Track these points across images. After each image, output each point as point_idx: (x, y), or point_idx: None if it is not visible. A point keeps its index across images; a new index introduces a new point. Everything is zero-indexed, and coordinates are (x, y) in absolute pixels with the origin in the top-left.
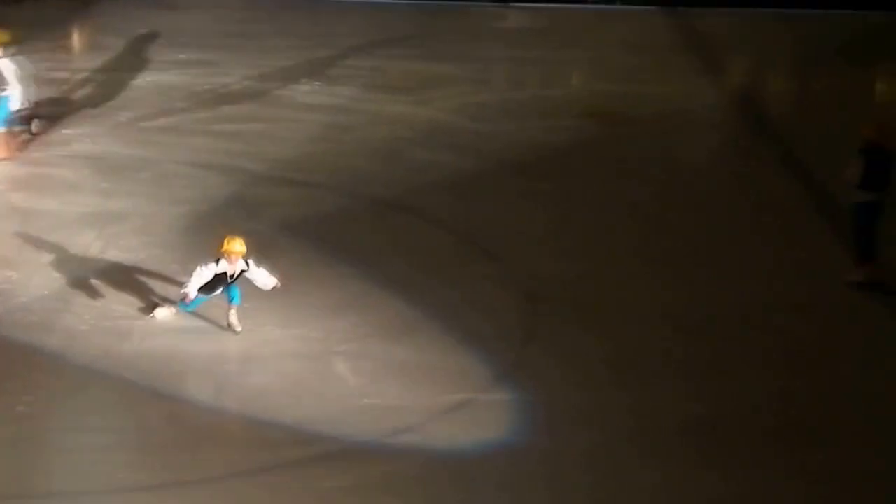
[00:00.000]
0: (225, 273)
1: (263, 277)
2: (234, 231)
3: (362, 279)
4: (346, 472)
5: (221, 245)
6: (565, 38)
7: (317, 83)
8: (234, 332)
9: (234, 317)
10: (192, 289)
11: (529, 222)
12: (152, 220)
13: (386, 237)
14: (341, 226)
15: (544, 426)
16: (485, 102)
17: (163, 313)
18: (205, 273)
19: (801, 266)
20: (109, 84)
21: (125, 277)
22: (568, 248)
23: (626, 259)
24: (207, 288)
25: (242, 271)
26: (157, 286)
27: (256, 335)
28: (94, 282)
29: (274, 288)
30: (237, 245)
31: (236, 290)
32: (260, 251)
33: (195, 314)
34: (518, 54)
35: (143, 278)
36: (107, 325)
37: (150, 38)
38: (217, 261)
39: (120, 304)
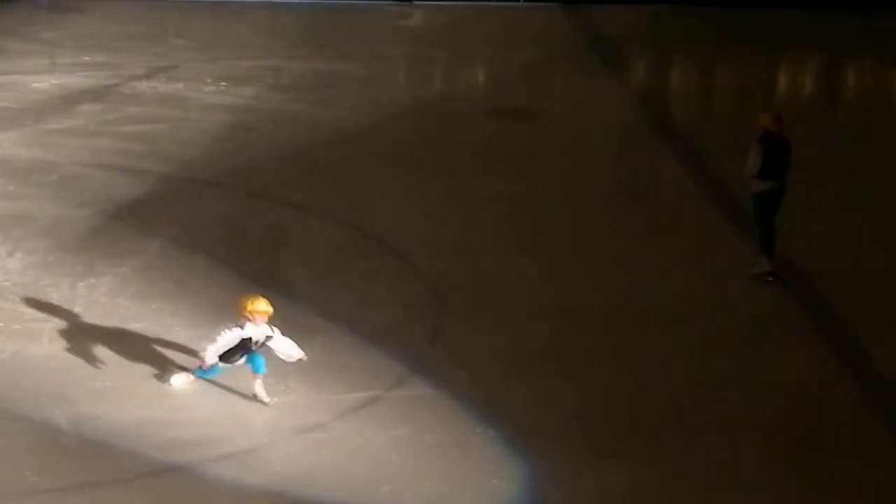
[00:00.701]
0: (249, 338)
1: (288, 347)
2: (258, 294)
3: (265, 278)
4: (254, 471)
5: (244, 306)
6: (468, 36)
7: (220, 83)
8: (263, 403)
9: (260, 388)
10: (211, 355)
11: (431, 219)
12: (59, 222)
13: (290, 236)
14: (246, 225)
15: (449, 423)
16: (388, 101)
17: (179, 380)
18: (228, 337)
19: (696, 259)
20: (13, 87)
21: (33, 280)
22: (470, 243)
23: (527, 254)
24: (228, 355)
25: (268, 337)
26: (66, 288)
27: (163, 337)
28: (2, 284)
29: (299, 360)
30: (262, 304)
31: (261, 359)
32: (164, 251)
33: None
34: (421, 52)
35: (51, 280)
36: (16, 327)
37: (54, 40)
38: (241, 324)
39: (30, 306)
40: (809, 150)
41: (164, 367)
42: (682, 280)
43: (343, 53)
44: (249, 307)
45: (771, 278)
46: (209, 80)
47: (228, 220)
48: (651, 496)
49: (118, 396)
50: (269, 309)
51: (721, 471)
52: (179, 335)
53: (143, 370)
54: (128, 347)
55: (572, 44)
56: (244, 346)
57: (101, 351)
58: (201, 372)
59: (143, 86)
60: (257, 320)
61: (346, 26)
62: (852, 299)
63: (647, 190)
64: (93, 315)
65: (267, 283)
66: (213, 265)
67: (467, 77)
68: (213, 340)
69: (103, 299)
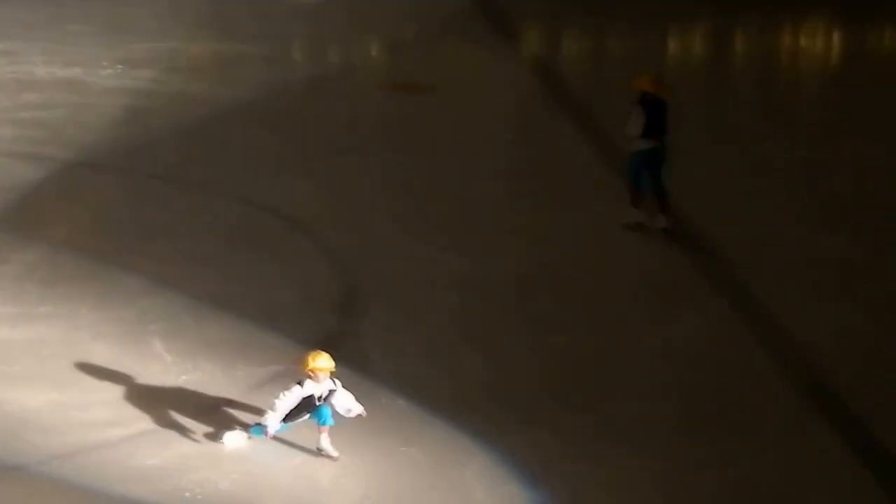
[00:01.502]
0: (311, 395)
1: (349, 402)
2: (314, 350)
3: (174, 258)
4: (167, 448)
5: (305, 363)
6: (361, 13)
7: (118, 67)
8: (331, 457)
9: (325, 441)
10: (274, 420)
11: (334, 195)
12: None
13: (197, 216)
14: (151, 207)
15: (362, 395)
16: (287, 79)
17: (233, 440)
18: (289, 399)
19: (597, 227)
20: None
21: None
22: (374, 218)
23: (431, 226)
24: (291, 414)
25: (331, 391)
26: None
27: (71, 320)
28: None
29: (358, 416)
30: (324, 361)
31: (327, 410)
32: (70, 236)
33: None
34: (320, 30)
35: None
36: None
37: None
38: (301, 382)
39: None
40: (705, 112)
41: (75, 347)
42: (585, 248)
43: (242, 34)
44: (311, 364)
45: (641, 227)
46: (107, 64)
47: (132, 203)
48: (571, 460)
49: (29, 380)
50: (331, 365)
51: (636, 433)
52: (87, 317)
53: (53, 352)
54: (36, 331)
55: (468, 15)
56: (308, 404)
57: (9, 335)
58: (258, 431)
59: (41, 71)
60: (319, 377)
61: (244, 7)
62: (754, 262)
63: (546, 160)
64: None
65: (173, 263)
66: (119, 248)
67: (365, 53)
68: (273, 407)
69: (10, 285)
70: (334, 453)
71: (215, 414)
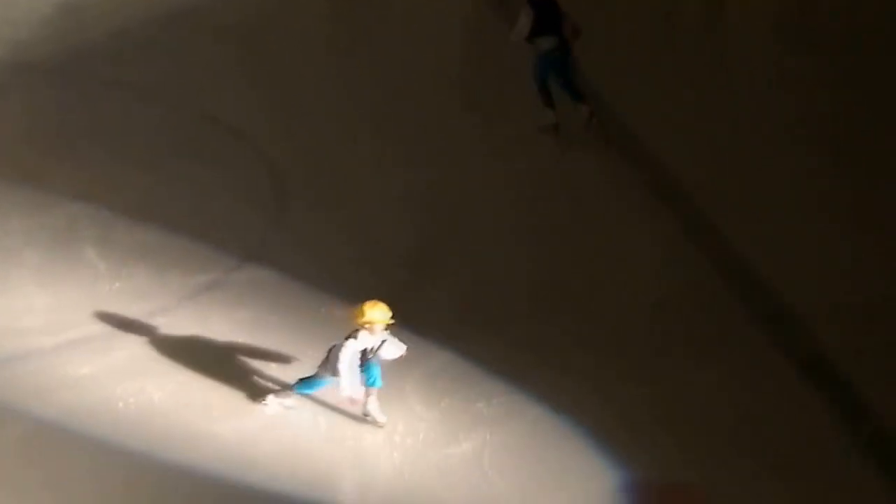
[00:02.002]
0: (365, 349)
1: (395, 349)
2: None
3: (107, 164)
4: (101, 356)
5: (359, 314)
6: None
7: None
8: (378, 424)
9: (374, 404)
10: (347, 385)
11: (273, 102)
12: None
13: (131, 120)
14: (84, 110)
15: (293, 304)
16: None
17: (276, 403)
18: (346, 355)
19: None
20: None
21: None
22: (313, 127)
23: (371, 136)
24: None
25: (383, 342)
26: None
27: (1, 226)
28: None
29: (400, 357)
30: (381, 313)
31: (376, 369)
32: None
33: None
34: None
35: None
36: None
37: None
38: (354, 335)
39: None
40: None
41: (6, 255)
42: (547, 157)
43: None
44: (367, 316)
45: (556, 128)
46: None
47: (63, 104)
48: (548, 364)
49: None
50: (388, 316)
51: (603, 333)
52: (17, 224)
53: None
54: None
55: None
56: (362, 358)
57: None
58: (302, 387)
59: None
60: (375, 329)
61: None
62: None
63: (496, 67)
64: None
65: (106, 169)
66: (51, 153)
67: None
68: (335, 370)
69: None
70: (382, 418)
71: (150, 322)
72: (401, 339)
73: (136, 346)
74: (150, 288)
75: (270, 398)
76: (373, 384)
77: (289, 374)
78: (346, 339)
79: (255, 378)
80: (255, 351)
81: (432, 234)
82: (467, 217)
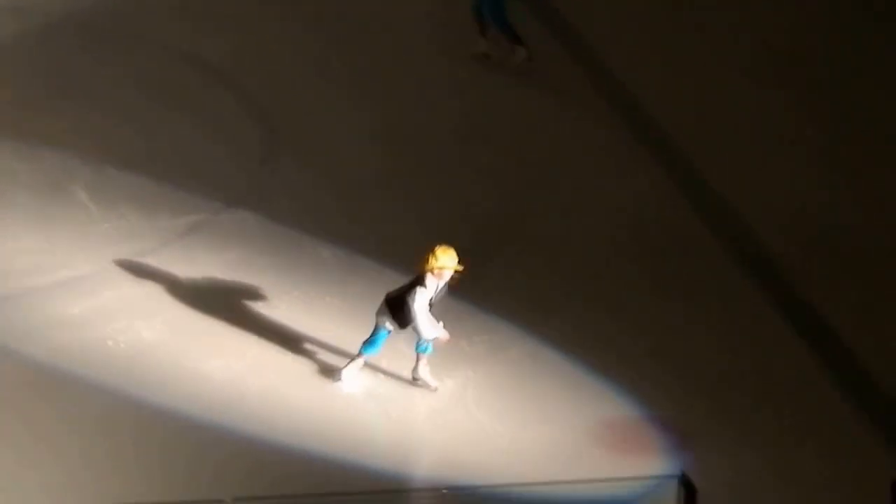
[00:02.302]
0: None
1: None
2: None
3: (96, 111)
4: (91, 296)
5: (427, 259)
6: None
7: None
8: (430, 388)
9: (425, 370)
10: (434, 332)
11: (260, 46)
12: None
13: (118, 65)
14: (70, 59)
15: (279, 244)
16: None
17: (352, 373)
18: (421, 303)
19: (532, 82)
20: None
21: None
22: (298, 72)
23: (355, 80)
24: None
25: (442, 288)
26: None
27: None
28: None
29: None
30: (452, 259)
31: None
32: None
33: None
34: None
35: None
36: None
37: None
38: (422, 283)
39: None
40: None
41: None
42: (519, 105)
43: None
44: (440, 261)
45: (487, 57)
46: None
47: (50, 52)
48: (529, 303)
49: None
50: (457, 261)
51: (587, 273)
52: (9, 167)
53: None
54: None
55: None
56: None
57: None
58: (368, 348)
59: None
60: (444, 275)
61: None
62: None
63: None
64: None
65: (95, 113)
66: (40, 97)
67: None
68: (412, 319)
69: None
70: (433, 383)
71: (139, 263)
72: (383, 277)
73: (125, 286)
74: (139, 229)
75: (344, 374)
76: (424, 350)
77: (275, 313)
78: (413, 286)
79: (242, 317)
80: (242, 290)
81: (409, 169)
82: (443, 154)
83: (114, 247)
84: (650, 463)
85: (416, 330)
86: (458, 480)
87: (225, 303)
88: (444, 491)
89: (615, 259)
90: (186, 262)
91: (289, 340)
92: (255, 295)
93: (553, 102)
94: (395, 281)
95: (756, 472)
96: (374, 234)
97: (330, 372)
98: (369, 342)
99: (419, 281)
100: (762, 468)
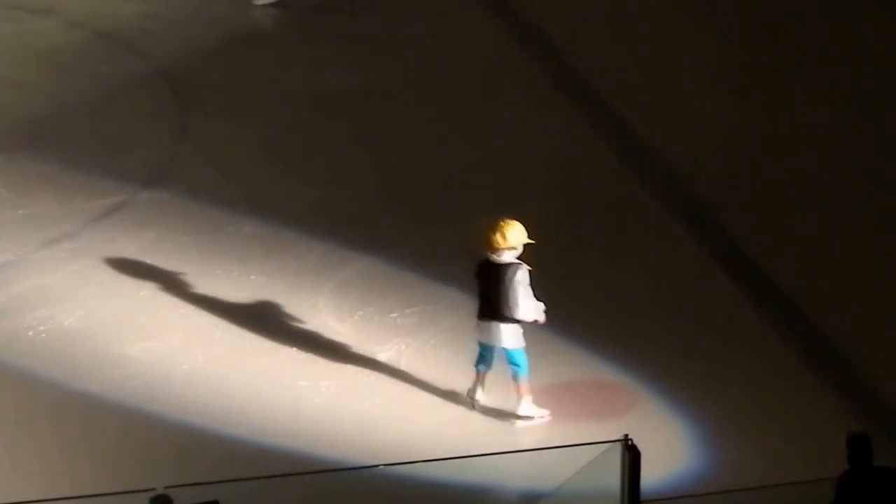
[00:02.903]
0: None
1: None
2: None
3: (4, 89)
4: (7, 286)
5: (495, 235)
6: None
7: None
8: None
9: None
10: (534, 309)
11: (173, 14)
12: None
13: (18, 39)
14: None
15: (200, 222)
16: None
17: (480, 393)
18: (526, 283)
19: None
20: None
21: None
22: (211, 36)
23: (271, 41)
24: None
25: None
26: None
27: None
28: None
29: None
30: (522, 234)
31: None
32: None
33: None
34: None
35: None
36: None
37: None
38: (519, 263)
39: None
40: None
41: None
42: (441, 65)
43: None
44: (513, 241)
45: None
46: None
47: None
48: (458, 268)
49: None
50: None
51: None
52: None
53: None
54: None
55: None
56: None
57: None
58: (480, 362)
59: None
60: (516, 252)
61: None
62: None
63: None
64: None
65: (6, 97)
66: None
67: None
68: (517, 300)
69: None
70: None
71: (55, 250)
72: (307, 249)
73: (43, 274)
74: (54, 213)
75: (477, 397)
76: (521, 371)
77: (200, 292)
78: (509, 269)
79: (166, 299)
80: (165, 271)
81: (340, 129)
82: (378, 116)
83: (30, 234)
84: (593, 429)
85: (513, 310)
86: (397, 457)
87: (147, 285)
88: (381, 466)
89: (542, 213)
90: (106, 246)
91: (215, 320)
92: (178, 275)
93: (474, 54)
94: (321, 254)
95: (703, 432)
96: (297, 206)
97: (264, 351)
98: (480, 355)
99: (517, 265)
100: (709, 427)
